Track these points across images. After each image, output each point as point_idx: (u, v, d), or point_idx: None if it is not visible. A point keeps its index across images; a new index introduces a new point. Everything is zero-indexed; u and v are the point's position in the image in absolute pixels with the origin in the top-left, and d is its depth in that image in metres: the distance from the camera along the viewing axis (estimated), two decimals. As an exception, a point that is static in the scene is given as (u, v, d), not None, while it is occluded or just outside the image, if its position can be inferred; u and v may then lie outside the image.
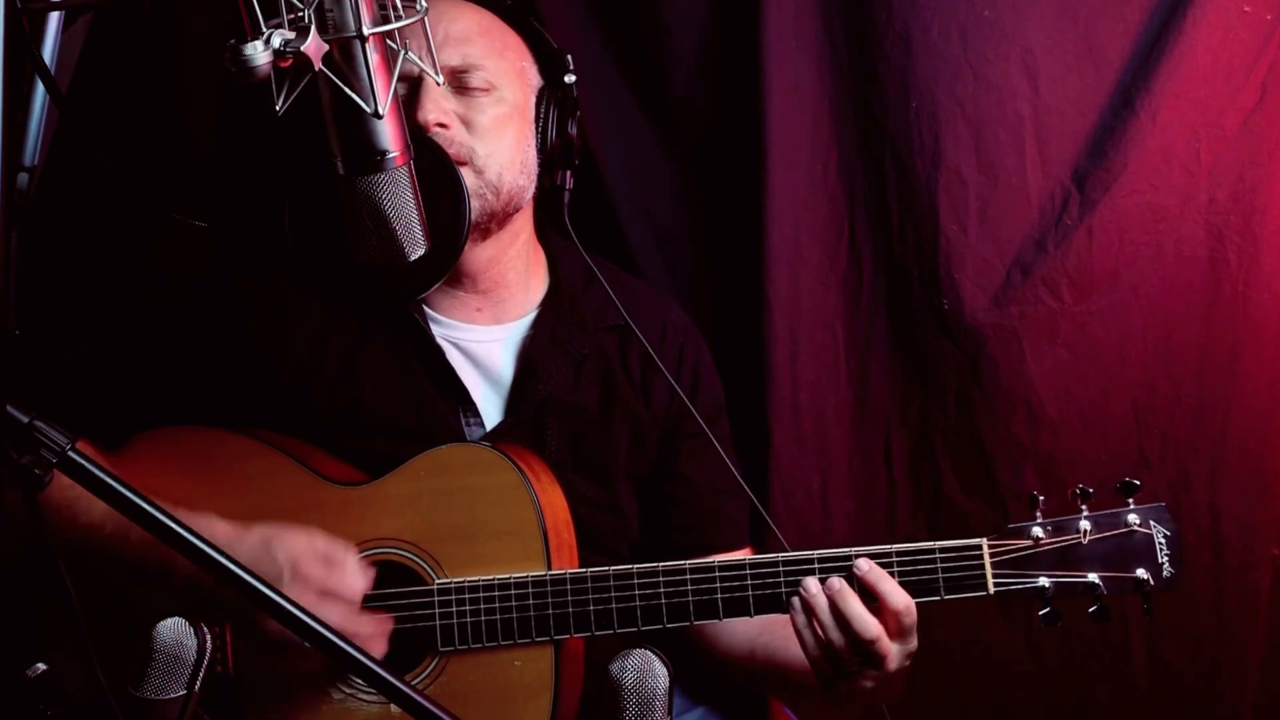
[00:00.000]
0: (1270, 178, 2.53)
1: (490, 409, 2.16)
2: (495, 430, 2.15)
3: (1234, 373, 2.58)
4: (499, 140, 2.09)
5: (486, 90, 2.09)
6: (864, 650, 1.92)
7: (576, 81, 2.17)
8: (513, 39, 2.18)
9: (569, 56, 2.18)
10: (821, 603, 1.94)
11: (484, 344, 2.18)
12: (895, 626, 1.94)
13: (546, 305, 2.23)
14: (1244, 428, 2.59)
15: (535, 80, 2.18)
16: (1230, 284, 2.56)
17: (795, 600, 1.97)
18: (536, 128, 2.16)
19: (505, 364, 2.19)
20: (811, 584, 1.95)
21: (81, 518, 1.91)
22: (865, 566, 1.95)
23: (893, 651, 1.94)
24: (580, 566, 2.07)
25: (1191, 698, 2.64)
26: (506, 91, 2.12)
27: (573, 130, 2.17)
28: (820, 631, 1.94)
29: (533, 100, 2.16)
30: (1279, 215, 2.54)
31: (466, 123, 2.08)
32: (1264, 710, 2.64)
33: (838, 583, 1.94)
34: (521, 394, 2.16)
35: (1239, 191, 2.54)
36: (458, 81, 2.09)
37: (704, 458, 2.23)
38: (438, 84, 2.06)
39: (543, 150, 2.16)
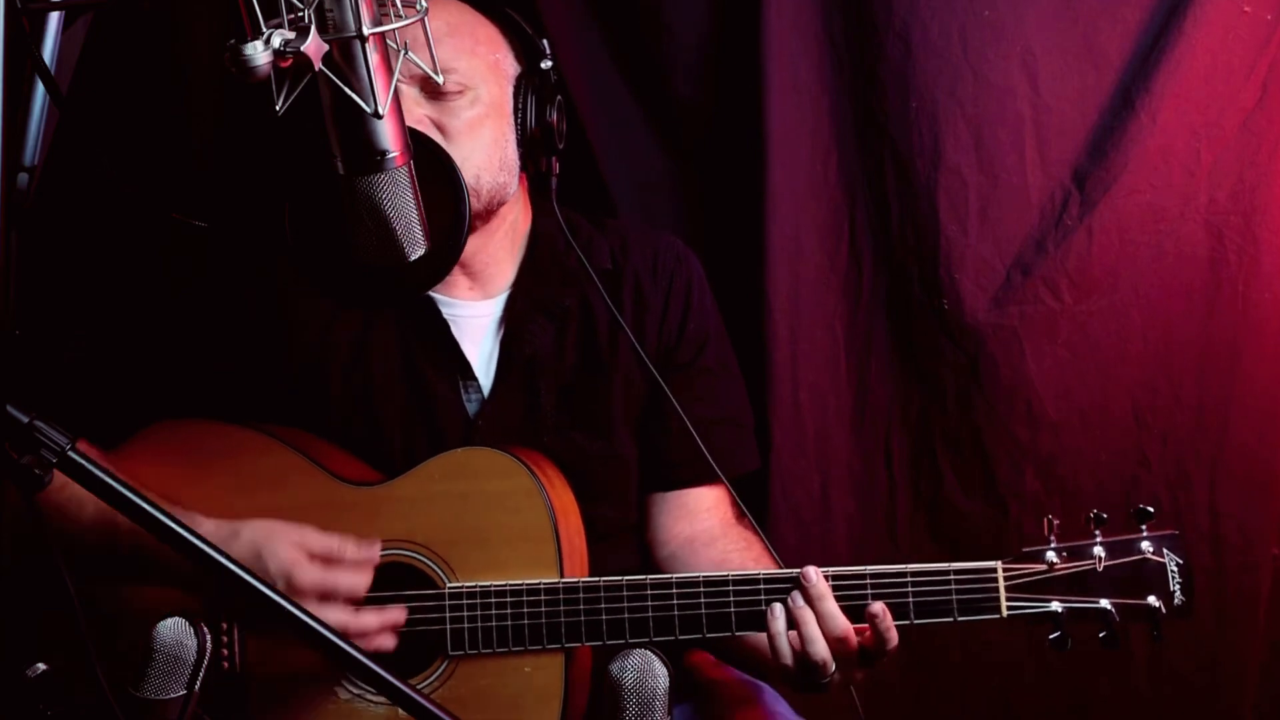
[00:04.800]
0: (1270, 178, 2.53)
1: (486, 380, 2.18)
2: (490, 396, 2.15)
3: (1234, 373, 2.58)
4: (475, 142, 2.08)
5: (460, 92, 2.07)
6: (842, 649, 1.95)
7: (554, 67, 2.15)
8: (485, 31, 2.14)
9: (545, 41, 2.16)
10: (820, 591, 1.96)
11: (476, 319, 2.20)
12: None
13: (524, 269, 2.22)
14: (1244, 428, 2.58)
15: (512, 70, 2.15)
16: (1230, 284, 2.56)
17: (776, 607, 1.97)
18: (516, 118, 2.13)
19: (493, 334, 2.20)
20: (811, 572, 1.97)
21: (71, 518, 1.90)
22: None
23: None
24: (584, 522, 2.07)
25: (1191, 698, 2.64)
26: (481, 90, 2.09)
27: (552, 116, 2.13)
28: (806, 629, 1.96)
29: (510, 91, 2.13)
30: (1279, 215, 2.54)
31: (440, 127, 2.06)
32: (1264, 710, 2.64)
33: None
34: (509, 357, 2.17)
35: (1239, 191, 2.54)
36: (429, 87, 2.05)
37: (692, 388, 2.22)
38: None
39: (523, 139, 2.13)
